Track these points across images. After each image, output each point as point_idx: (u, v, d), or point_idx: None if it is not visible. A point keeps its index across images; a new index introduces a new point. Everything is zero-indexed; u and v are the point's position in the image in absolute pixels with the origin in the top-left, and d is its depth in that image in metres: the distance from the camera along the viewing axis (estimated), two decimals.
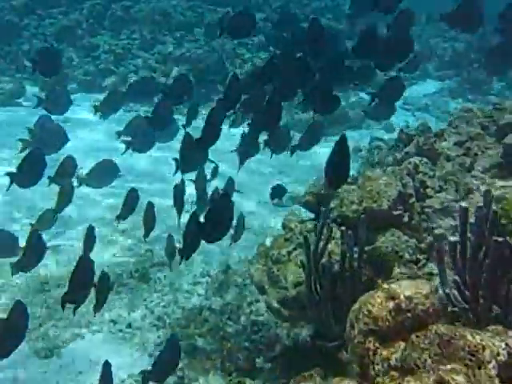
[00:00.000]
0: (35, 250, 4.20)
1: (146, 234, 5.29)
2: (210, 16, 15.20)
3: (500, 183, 4.67)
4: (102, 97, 11.68)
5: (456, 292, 3.33)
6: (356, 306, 2.73)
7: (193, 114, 5.55)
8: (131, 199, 5.09)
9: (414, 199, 4.60)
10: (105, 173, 5.38)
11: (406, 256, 4.29)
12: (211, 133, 4.46)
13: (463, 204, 3.42)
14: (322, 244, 4.03)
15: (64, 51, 12.93)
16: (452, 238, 3.39)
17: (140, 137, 5.08)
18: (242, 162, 5.51)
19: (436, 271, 4.21)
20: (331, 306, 4.12)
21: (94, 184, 5.51)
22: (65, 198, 5.14)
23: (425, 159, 5.23)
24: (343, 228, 4.04)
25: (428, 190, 4.85)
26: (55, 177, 5.03)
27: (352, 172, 8.77)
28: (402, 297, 2.59)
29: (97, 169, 5.39)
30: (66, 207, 5.31)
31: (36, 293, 6.19)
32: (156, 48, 13.25)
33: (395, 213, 4.46)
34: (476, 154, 5.04)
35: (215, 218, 3.83)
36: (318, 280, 4.12)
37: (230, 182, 5.94)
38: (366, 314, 2.64)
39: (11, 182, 4.35)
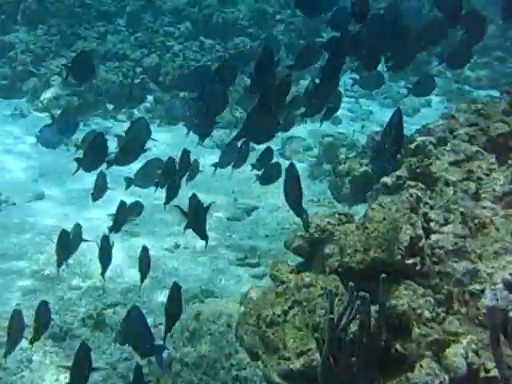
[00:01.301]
0: None
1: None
2: (132, 4, 14.16)
3: None
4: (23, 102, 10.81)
5: None
6: None
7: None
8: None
9: (423, 241, 4.02)
10: (153, 172, 4.98)
11: (426, 314, 3.71)
12: None
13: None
14: (345, 319, 3.37)
15: None
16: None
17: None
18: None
19: (461, 330, 3.70)
20: (349, 376, 3.53)
21: (143, 184, 5.17)
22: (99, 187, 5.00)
23: (420, 185, 4.67)
24: (364, 294, 3.42)
25: (432, 224, 4.29)
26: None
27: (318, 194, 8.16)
28: None
29: (145, 168, 5.10)
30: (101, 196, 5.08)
31: None
32: (77, 44, 12.14)
33: (408, 262, 3.86)
34: (480, 179, 4.49)
35: None
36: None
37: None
38: None
39: (78, 167, 4.47)
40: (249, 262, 6.95)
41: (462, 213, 4.31)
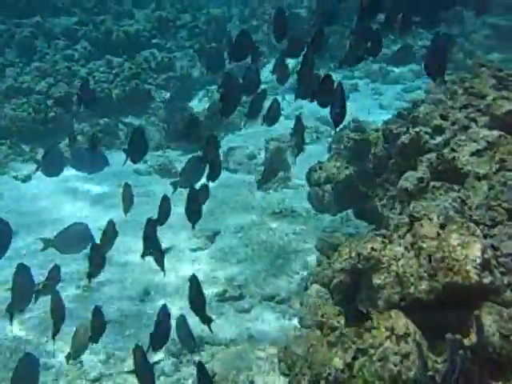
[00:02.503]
0: None
1: None
2: (19, 32, 13.02)
3: None
4: None
5: None
6: None
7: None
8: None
9: (490, 252, 3.46)
10: (196, 170, 5.11)
11: None
12: None
13: None
14: (453, 375, 2.76)
15: None
16: None
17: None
18: None
19: None
20: None
21: (187, 185, 5.06)
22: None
23: (446, 184, 4.14)
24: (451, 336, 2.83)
25: (480, 228, 3.75)
26: None
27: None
28: None
29: (188, 168, 5.18)
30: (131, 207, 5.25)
31: None
32: None
33: (485, 281, 3.29)
34: None
35: None
36: None
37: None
38: None
39: (127, 157, 4.57)
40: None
41: (507, 209, 3.81)
